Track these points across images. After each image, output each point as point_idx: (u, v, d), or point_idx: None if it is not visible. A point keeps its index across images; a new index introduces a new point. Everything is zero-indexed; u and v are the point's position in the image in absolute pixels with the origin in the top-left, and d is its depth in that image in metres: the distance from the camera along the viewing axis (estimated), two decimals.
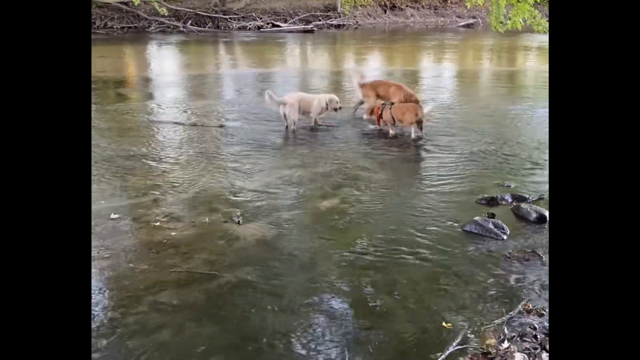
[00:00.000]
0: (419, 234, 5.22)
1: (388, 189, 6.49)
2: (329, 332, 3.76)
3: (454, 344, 3.54)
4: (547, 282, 4.32)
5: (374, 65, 18.35)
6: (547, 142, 8.22)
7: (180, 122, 9.66)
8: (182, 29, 26.28)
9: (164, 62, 19.17)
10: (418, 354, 3.49)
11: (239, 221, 5.50)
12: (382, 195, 6.25)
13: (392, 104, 8.87)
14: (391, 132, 8.80)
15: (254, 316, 3.93)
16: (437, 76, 15.90)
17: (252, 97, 11.98)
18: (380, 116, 8.84)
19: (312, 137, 8.84)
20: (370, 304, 4.09)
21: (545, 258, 4.71)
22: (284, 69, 17.47)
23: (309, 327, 3.81)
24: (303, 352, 3.56)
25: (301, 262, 4.74)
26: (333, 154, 7.78)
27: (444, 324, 3.81)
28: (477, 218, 5.44)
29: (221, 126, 9.40)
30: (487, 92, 13.55)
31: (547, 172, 7.01)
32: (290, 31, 27.36)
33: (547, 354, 3.43)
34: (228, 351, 3.56)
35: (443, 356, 3.42)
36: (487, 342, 3.57)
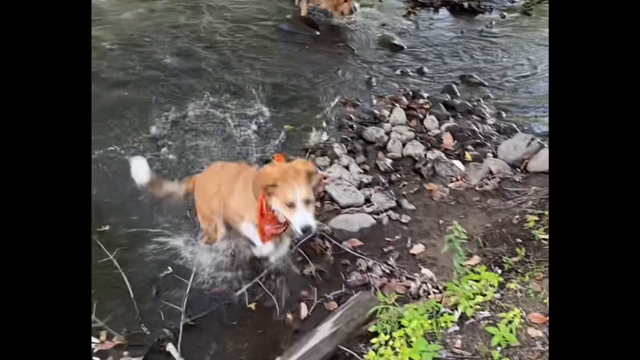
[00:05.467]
0: (246, 32, 4.99)
1: None
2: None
3: (276, 142, 3.53)
4: (359, 75, 4.43)
5: None
6: None
7: None
8: None
9: None
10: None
11: None
12: None
13: None
14: None
15: None
16: None
17: None
18: None
19: None
20: None
21: (357, 51, 4.79)
22: None
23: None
24: None
25: None
26: None
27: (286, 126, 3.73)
28: (288, 16, 5.30)
29: None
30: None
31: None
32: None
33: (363, 141, 3.57)
34: None
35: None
36: (311, 138, 3.58)
